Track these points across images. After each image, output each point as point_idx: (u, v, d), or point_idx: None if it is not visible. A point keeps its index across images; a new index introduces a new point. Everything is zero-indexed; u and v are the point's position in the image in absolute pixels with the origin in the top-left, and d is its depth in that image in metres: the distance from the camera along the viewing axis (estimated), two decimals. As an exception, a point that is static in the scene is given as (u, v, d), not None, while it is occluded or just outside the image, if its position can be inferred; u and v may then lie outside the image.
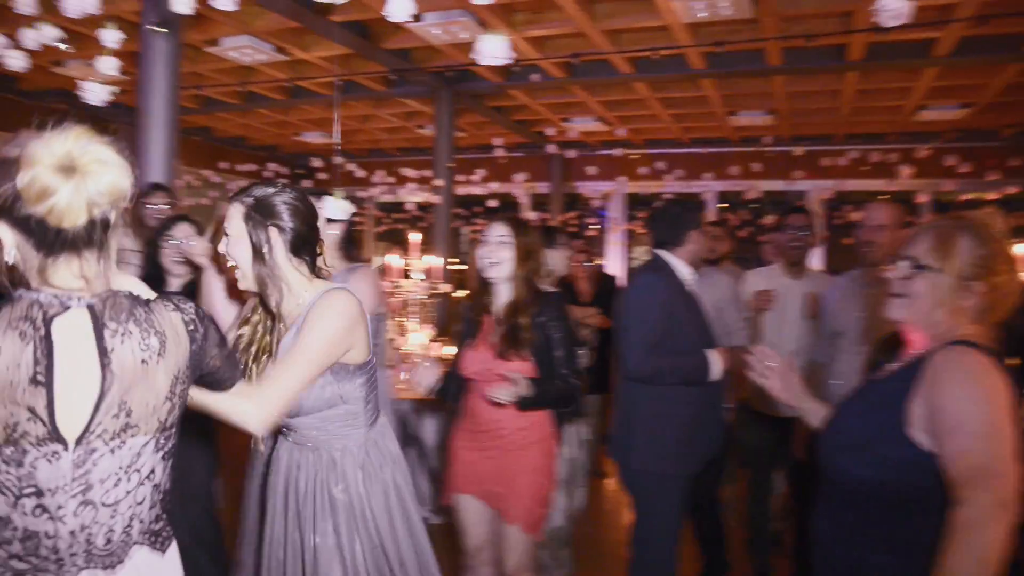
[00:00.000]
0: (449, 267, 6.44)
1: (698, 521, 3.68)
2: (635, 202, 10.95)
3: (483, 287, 2.82)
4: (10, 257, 1.22)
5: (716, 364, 2.90)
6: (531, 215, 10.26)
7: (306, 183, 10.95)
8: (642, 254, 11.58)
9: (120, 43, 3.22)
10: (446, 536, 3.52)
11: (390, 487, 2.06)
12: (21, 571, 1.19)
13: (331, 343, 1.87)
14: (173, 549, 1.41)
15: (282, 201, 1.91)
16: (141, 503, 1.30)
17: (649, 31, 6.02)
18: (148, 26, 3.56)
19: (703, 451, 3.03)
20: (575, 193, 11.17)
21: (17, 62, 3.53)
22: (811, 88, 7.50)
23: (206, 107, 8.96)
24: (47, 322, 1.21)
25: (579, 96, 8.09)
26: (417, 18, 5.79)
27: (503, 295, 2.77)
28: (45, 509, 1.19)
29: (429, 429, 4.60)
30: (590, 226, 11.19)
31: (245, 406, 1.62)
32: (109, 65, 3.15)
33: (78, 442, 1.21)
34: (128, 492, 1.27)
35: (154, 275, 2.99)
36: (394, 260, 5.31)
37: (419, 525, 2.13)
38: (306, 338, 1.85)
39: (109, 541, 1.25)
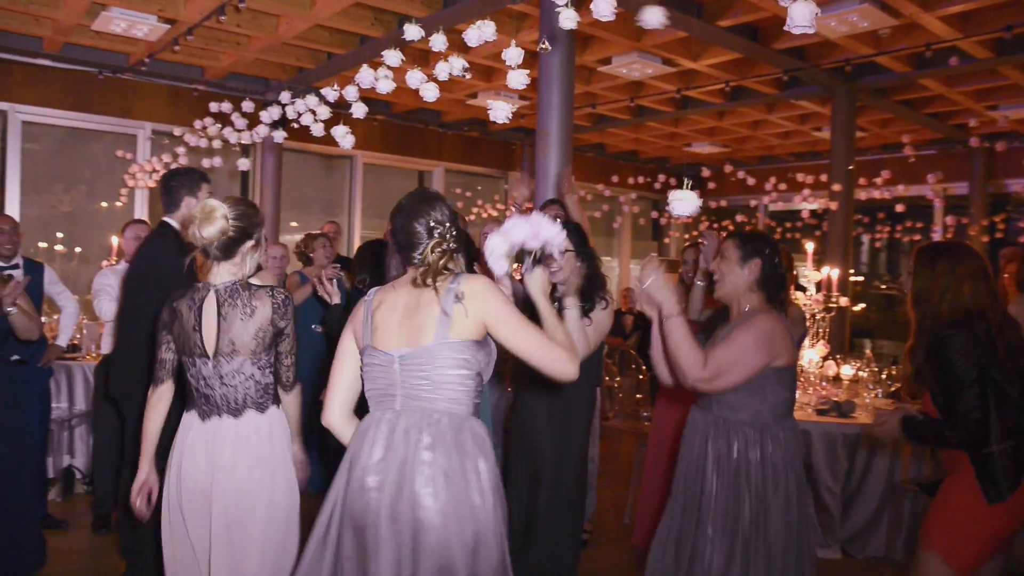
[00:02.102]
0: (850, 279, 5.91)
1: None
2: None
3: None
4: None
5: None
6: (947, 220, 9.06)
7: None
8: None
9: (521, 67, 3.49)
10: None
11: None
12: (207, 408, 2.46)
13: None
14: (270, 412, 2.51)
15: None
16: (248, 389, 2.46)
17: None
18: (541, 47, 3.84)
19: None
20: (1003, 192, 9.66)
21: (431, 94, 4.01)
22: None
23: (599, 124, 9.42)
24: (200, 301, 2.44)
25: (1012, 78, 7.02)
26: (812, 12, 5.42)
27: None
28: (208, 385, 2.45)
29: (820, 453, 4.27)
30: (1023, 230, 9.60)
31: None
32: (517, 80, 3.43)
33: (214, 356, 2.43)
34: (240, 382, 2.45)
35: None
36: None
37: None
38: None
39: (236, 402, 2.45)
